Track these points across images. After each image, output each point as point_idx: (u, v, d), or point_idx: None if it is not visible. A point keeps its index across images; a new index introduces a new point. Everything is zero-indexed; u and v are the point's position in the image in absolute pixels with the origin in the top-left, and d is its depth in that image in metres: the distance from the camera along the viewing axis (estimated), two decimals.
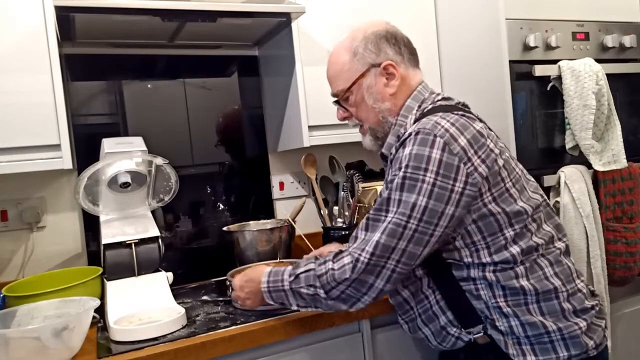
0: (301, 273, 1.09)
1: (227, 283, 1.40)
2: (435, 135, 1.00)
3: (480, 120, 1.13)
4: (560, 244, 1.11)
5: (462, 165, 0.99)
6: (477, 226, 1.03)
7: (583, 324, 1.05)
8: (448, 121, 1.03)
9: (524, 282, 1.03)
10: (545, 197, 1.17)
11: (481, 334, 1.09)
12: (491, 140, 1.05)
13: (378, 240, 1.00)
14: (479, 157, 1.01)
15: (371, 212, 1.05)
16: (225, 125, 1.91)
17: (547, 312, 1.04)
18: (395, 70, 1.15)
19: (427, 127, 1.01)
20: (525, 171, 1.16)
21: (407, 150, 1.02)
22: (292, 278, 1.10)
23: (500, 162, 1.04)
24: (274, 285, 1.14)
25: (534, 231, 1.06)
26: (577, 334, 1.04)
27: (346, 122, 1.26)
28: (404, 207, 0.99)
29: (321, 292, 1.06)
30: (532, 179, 1.17)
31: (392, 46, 1.16)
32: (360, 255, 1.01)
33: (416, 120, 1.11)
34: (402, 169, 1.01)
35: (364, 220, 1.06)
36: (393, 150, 1.09)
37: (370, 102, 1.17)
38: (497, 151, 1.05)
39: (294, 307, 1.14)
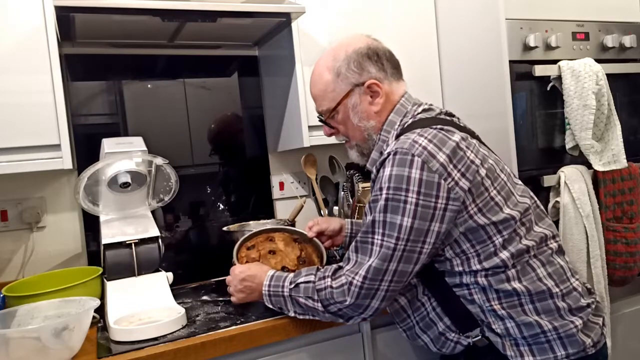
0: (301, 283, 1.11)
1: (234, 263, 1.37)
2: (413, 155, 1.00)
3: (462, 129, 1.12)
4: (552, 244, 1.11)
5: (442, 181, 1.00)
6: (465, 237, 1.04)
7: (579, 322, 1.05)
8: (426, 138, 1.03)
9: (516, 285, 1.04)
10: (536, 199, 1.16)
11: (479, 337, 1.09)
12: (472, 151, 1.05)
13: (370, 264, 1.02)
14: (459, 170, 1.01)
15: (360, 234, 1.07)
16: (217, 132, 1.90)
17: (543, 311, 1.04)
18: (379, 89, 1.14)
19: (405, 147, 1.02)
20: (512, 175, 1.15)
21: (387, 171, 1.02)
22: (292, 286, 1.13)
23: (482, 172, 1.04)
24: (274, 290, 1.15)
25: (523, 235, 1.06)
26: (573, 332, 1.04)
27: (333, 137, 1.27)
28: (390, 229, 1.01)
29: (319, 305, 1.08)
30: (520, 182, 1.16)
31: (375, 63, 1.15)
32: (354, 279, 1.03)
33: (397, 136, 1.11)
34: (384, 190, 1.02)
35: (354, 243, 1.08)
36: (374, 170, 1.10)
37: (356, 121, 1.17)
38: (478, 162, 1.05)
39: (291, 314, 1.16)
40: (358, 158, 1.24)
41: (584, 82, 1.60)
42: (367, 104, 1.16)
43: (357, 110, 1.16)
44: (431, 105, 1.18)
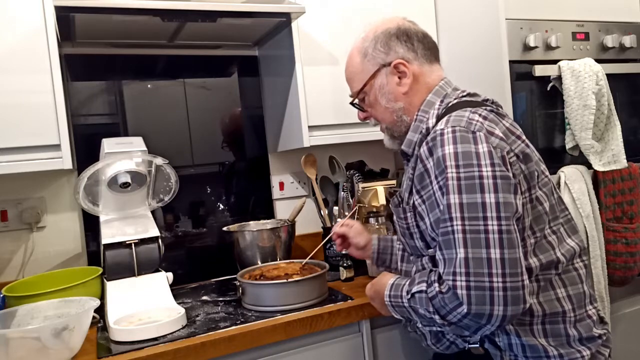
0: (416, 292, 0.99)
1: (237, 284, 1.40)
2: (473, 132, 0.94)
3: (509, 119, 1.09)
4: (579, 264, 1.05)
5: (505, 154, 0.95)
6: None
7: (587, 352, 1.00)
8: (480, 115, 0.98)
9: (532, 300, 0.98)
10: (568, 212, 1.10)
11: (477, 345, 1.06)
12: (523, 138, 1.03)
13: (462, 257, 0.89)
14: (514, 152, 0.97)
15: (439, 228, 0.95)
16: (235, 126, 1.91)
17: (551, 335, 0.99)
18: (406, 69, 1.10)
19: (462, 125, 0.95)
20: (552, 179, 1.09)
21: (449, 149, 0.93)
22: (409, 296, 1.01)
23: (535, 158, 1.02)
24: (395, 300, 1.06)
25: (555, 245, 1.01)
26: None
27: (367, 122, 1.23)
28: (471, 211, 0.89)
29: (437, 317, 0.95)
30: (558, 191, 1.11)
31: (403, 43, 1.11)
32: (454, 280, 0.89)
33: (439, 116, 1.05)
34: (452, 170, 0.92)
35: (438, 238, 0.96)
36: (418, 149, 1.03)
37: (384, 102, 1.14)
38: (530, 148, 1.02)
39: (420, 326, 1.10)
40: (389, 142, 1.19)
41: (584, 82, 1.60)
42: (395, 85, 1.12)
43: (385, 91, 1.13)
44: (476, 92, 1.13)
